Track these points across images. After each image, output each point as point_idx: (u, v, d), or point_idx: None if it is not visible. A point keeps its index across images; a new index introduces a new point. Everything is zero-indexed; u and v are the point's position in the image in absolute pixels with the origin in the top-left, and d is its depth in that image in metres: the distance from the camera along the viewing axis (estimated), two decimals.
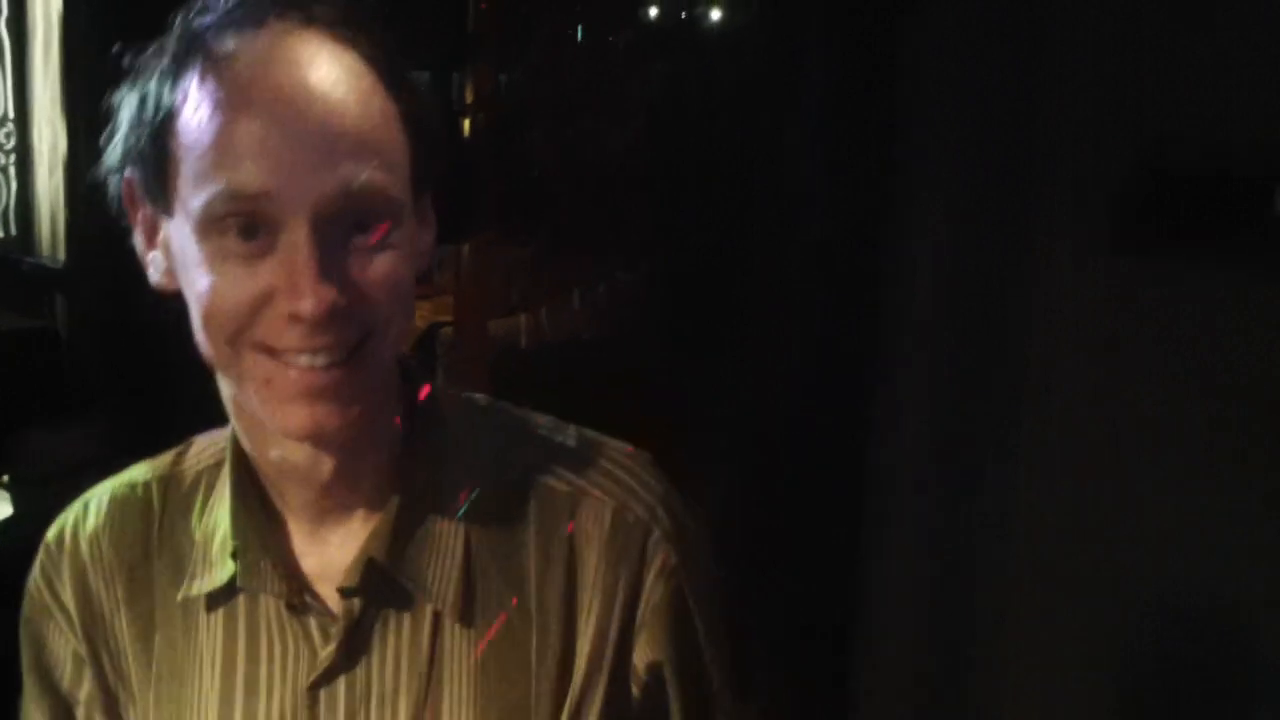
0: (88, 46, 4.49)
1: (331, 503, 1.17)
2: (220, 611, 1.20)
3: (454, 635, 1.16)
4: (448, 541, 1.17)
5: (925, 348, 2.18)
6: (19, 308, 5.00)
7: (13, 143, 5.17)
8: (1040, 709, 2.17)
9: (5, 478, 3.78)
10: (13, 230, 5.24)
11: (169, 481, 1.27)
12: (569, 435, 1.24)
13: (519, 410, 1.27)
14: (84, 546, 1.26)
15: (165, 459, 1.29)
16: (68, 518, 1.28)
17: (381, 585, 1.15)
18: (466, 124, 5.09)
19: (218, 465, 1.24)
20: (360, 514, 1.18)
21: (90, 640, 1.25)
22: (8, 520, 3.45)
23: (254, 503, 1.18)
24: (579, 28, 3.65)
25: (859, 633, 2.33)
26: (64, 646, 1.26)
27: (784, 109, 2.26)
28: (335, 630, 1.15)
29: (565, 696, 1.17)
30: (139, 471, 1.29)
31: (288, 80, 1.03)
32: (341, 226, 1.03)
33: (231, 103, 1.02)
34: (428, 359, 5.93)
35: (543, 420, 1.25)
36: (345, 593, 1.15)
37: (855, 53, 2.17)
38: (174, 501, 1.25)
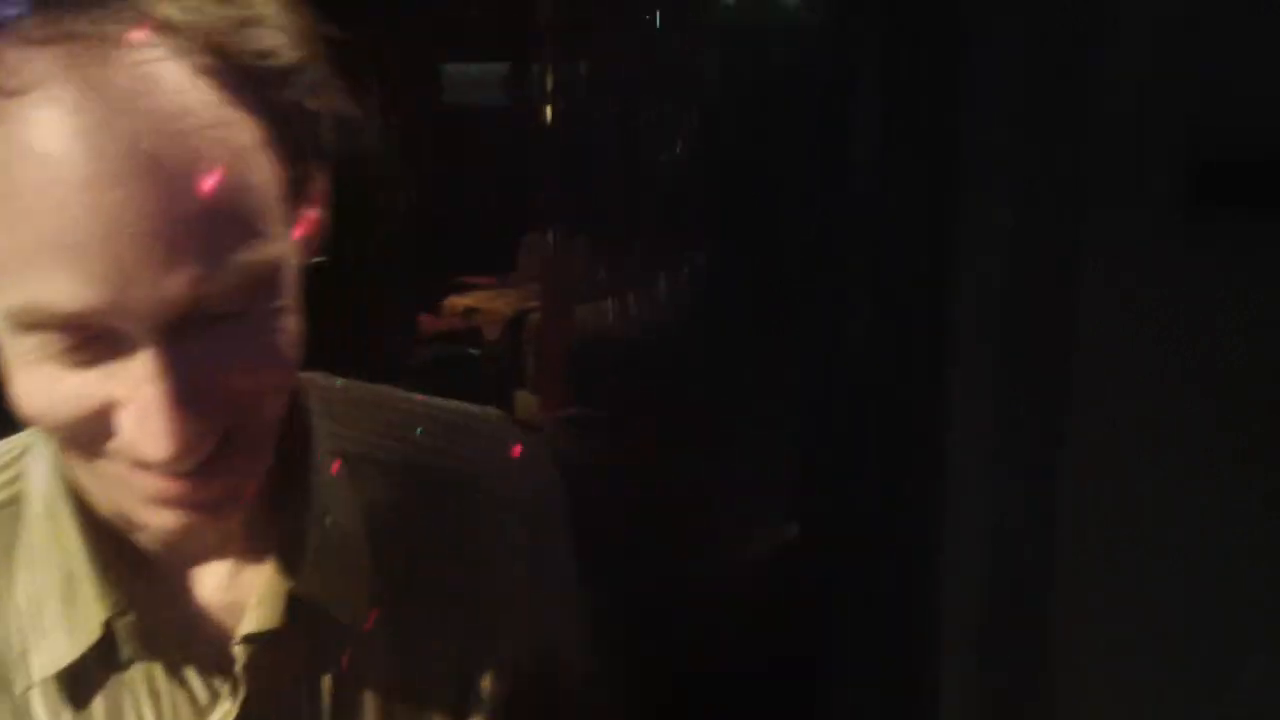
0: None
1: (204, 545, 0.96)
2: (64, 692, 0.93)
3: (362, 655, 1.00)
4: (352, 553, 1.00)
5: (989, 339, 2.20)
6: None
7: None
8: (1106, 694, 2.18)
9: None
10: None
11: None
12: (432, 409, 1.09)
13: (365, 386, 1.09)
14: None
15: None
16: None
17: (299, 619, 0.95)
18: (549, 111, 5.19)
19: (10, 504, 0.95)
20: (239, 544, 0.97)
21: None
22: None
23: (113, 549, 0.92)
24: (656, 15, 3.71)
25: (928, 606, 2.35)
26: None
27: (847, 90, 2.28)
28: (230, 686, 0.94)
29: (472, 686, 1.05)
30: None
31: (103, 135, 0.70)
32: (201, 319, 0.76)
33: (22, 172, 0.70)
34: (516, 346, 6.03)
35: (396, 395, 1.09)
36: (254, 638, 0.93)
37: (919, 37, 2.19)
38: None
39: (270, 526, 0.96)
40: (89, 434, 0.78)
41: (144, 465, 0.77)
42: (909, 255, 2.20)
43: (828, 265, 2.38)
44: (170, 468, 0.77)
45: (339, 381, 1.05)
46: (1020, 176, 2.06)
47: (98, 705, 0.93)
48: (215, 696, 0.95)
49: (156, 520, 0.83)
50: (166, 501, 0.81)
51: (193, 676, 0.94)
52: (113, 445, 0.78)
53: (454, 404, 1.10)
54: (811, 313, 2.46)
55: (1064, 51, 2.00)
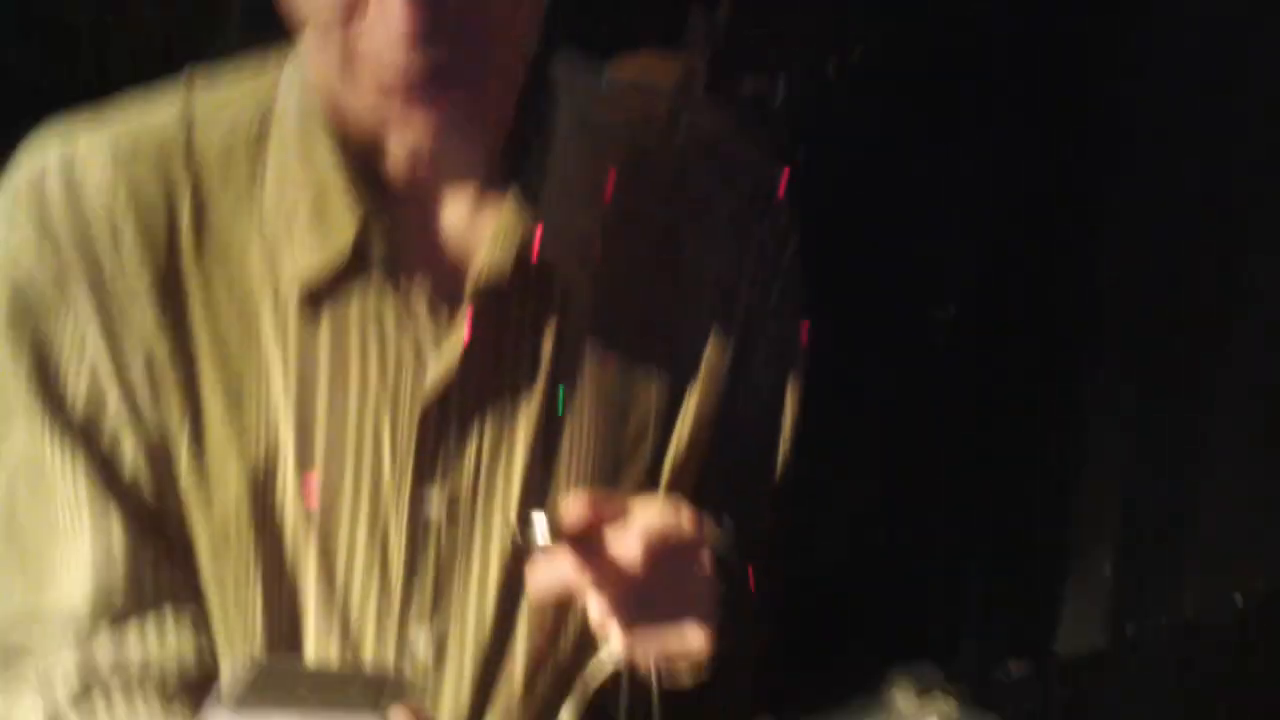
0: None
1: (447, 157, 0.93)
2: (296, 307, 0.94)
3: (584, 320, 0.98)
4: (584, 212, 0.98)
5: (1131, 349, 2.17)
6: None
7: None
8: None
9: None
10: None
11: (191, 131, 0.96)
12: (661, 92, 1.10)
13: (595, 67, 1.08)
14: (93, 211, 0.93)
15: (169, 105, 0.97)
16: (45, 164, 0.94)
17: (523, 273, 0.95)
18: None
19: (264, 119, 0.96)
20: (476, 182, 0.96)
21: (115, 344, 0.94)
22: None
23: (363, 166, 0.93)
24: None
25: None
26: (78, 352, 0.94)
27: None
28: (454, 332, 0.95)
29: (686, 390, 1.03)
30: (137, 119, 0.97)
31: None
32: None
33: None
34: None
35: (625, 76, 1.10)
36: (484, 279, 0.94)
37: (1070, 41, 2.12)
38: (208, 162, 0.95)
39: (509, 173, 0.96)
40: None
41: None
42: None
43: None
44: None
45: (573, 58, 1.04)
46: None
47: (324, 331, 0.94)
48: (439, 341, 0.95)
49: (405, 110, 0.86)
50: (413, 75, 0.84)
51: (421, 316, 0.95)
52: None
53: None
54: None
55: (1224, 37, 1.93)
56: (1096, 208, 2.08)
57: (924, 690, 0.93)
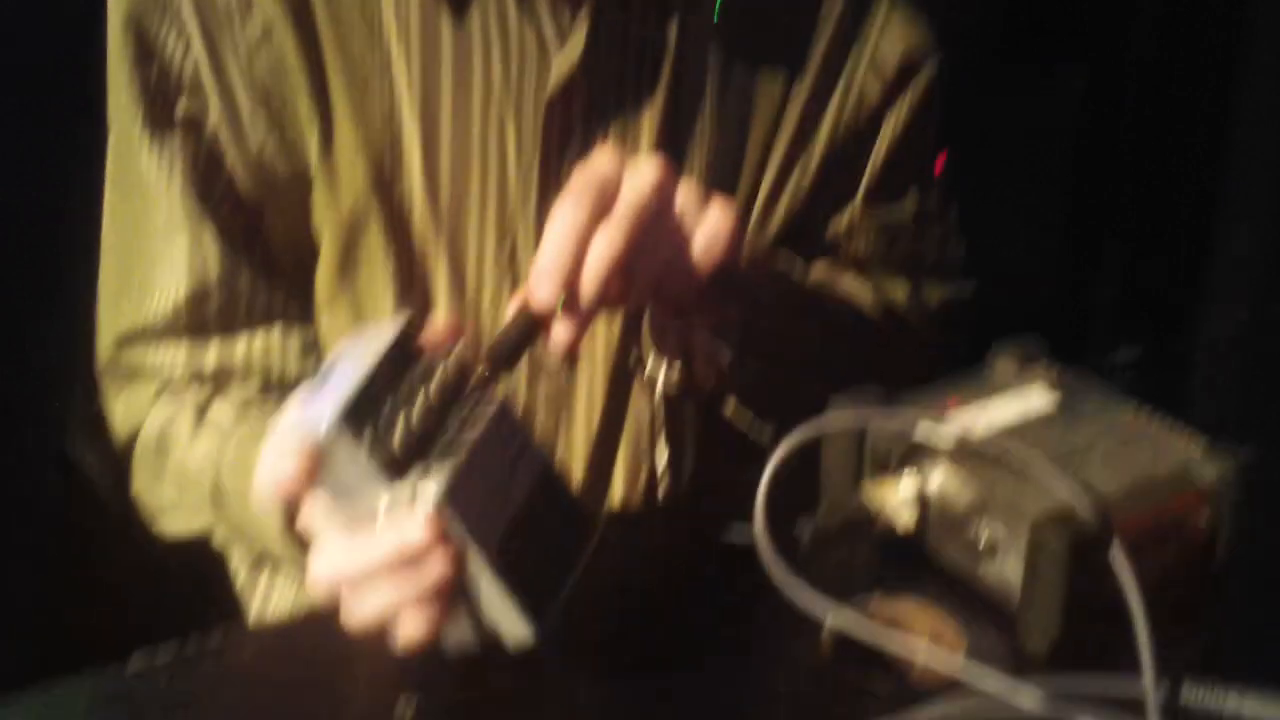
0: None
1: None
2: (418, 10, 0.94)
3: (707, 25, 0.98)
4: None
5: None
6: None
7: None
8: None
9: None
10: None
11: None
12: None
13: None
14: None
15: None
16: None
17: None
18: None
19: None
20: None
21: (217, 50, 0.93)
22: None
23: None
24: None
25: None
26: (179, 58, 0.94)
27: None
28: (578, 26, 0.94)
29: (801, 97, 1.02)
30: None
31: None
32: None
33: None
34: None
35: None
36: None
37: None
38: None
39: None
40: None
41: None
42: None
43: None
44: None
45: None
46: None
47: (447, 26, 0.94)
48: (563, 35, 0.94)
49: None
50: None
51: (545, 10, 0.94)
52: None
53: None
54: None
55: None
56: None
57: (1027, 361, 0.91)
